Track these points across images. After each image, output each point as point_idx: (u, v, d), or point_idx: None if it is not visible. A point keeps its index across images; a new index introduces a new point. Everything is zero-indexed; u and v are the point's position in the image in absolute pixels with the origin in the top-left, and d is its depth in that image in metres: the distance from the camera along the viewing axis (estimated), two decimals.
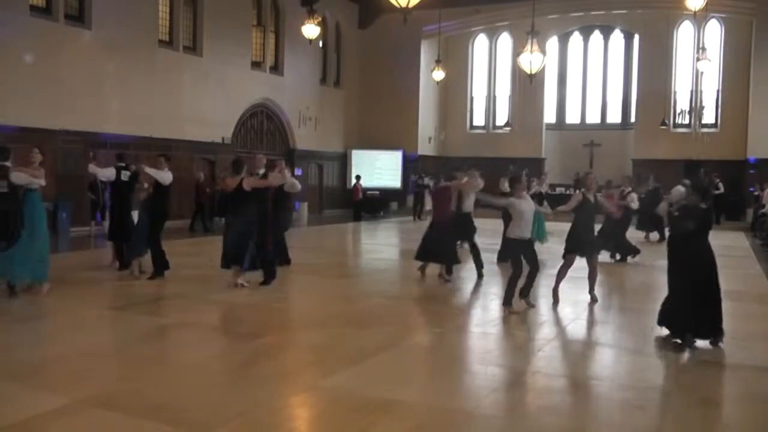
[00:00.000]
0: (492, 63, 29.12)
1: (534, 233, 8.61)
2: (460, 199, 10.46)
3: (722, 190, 20.86)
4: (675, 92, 26.30)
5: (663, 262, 7.24)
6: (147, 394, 4.89)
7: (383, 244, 17.31)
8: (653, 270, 11.54)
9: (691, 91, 26.08)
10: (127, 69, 17.62)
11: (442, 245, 9.89)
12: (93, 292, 9.09)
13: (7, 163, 8.07)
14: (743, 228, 20.49)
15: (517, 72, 24.17)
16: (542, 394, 5.19)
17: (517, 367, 6.00)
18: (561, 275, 8.62)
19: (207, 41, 20.39)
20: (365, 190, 24.88)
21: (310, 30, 18.42)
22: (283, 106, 23.87)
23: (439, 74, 22.91)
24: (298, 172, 21.86)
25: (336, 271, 11.85)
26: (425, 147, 28.11)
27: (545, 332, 7.36)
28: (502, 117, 28.82)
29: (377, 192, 26.23)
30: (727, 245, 14.38)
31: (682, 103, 26.32)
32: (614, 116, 27.84)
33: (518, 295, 8.07)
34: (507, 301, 7.96)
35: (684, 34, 26.08)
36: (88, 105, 16.57)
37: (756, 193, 20.74)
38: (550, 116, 28.41)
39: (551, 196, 17.96)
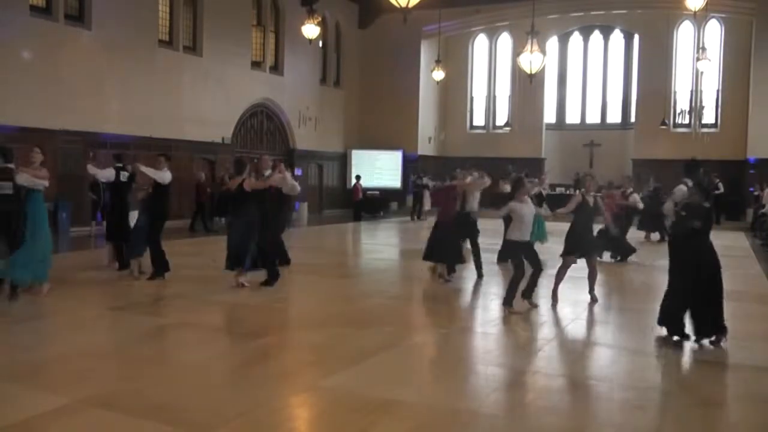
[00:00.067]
0: (492, 63, 29.12)
1: (534, 234, 8.61)
2: (464, 199, 10.48)
3: (722, 190, 20.87)
4: (675, 92, 26.30)
5: (663, 262, 7.25)
6: (147, 394, 4.89)
7: (383, 244, 17.31)
8: (653, 270, 11.55)
9: (691, 91, 26.08)
10: (127, 69, 17.62)
11: (447, 245, 9.90)
12: (93, 292, 9.10)
13: (11, 165, 8.05)
14: (743, 228, 20.51)
15: (517, 72, 24.16)
16: (542, 394, 5.19)
17: (517, 367, 6.00)
18: (560, 276, 8.61)
19: (207, 41, 20.39)
20: (365, 190, 24.89)
21: (310, 30, 18.43)
22: (283, 106, 23.88)
23: (439, 74, 22.92)
24: (298, 172, 21.87)
25: (336, 271, 11.85)
26: (425, 147, 28.11)
27: (545, 332, 7.36)
28: (502, 117, 28.81)
29: (377, 192, 26.24)
30: (727, 245, 14.36)
31: (682, 103, 26.32)
32: (614, 116, 27.84)
33: (521, 296, 8.07)
34: (507, 302, 7.96)
35: (684, 34, 26.07)
36: (88, 105, 16.57)
37: (756, 193, 20.75)
38: (550, 116, 28.40)
39: (551, 196, 17.96)
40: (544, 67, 19.85)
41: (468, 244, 10.91)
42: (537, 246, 8.89)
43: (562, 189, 24.28)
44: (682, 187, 6.81)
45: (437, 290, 9.70)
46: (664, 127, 25.26)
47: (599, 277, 9.03)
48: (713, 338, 6.50)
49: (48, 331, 7.08)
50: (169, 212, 10.27)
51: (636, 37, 26.58)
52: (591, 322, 8.06)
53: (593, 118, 28.11)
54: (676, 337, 6.63)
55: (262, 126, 23.57)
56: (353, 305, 8.70)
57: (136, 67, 17.95)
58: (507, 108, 28.68)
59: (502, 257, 9.68)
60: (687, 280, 6.50)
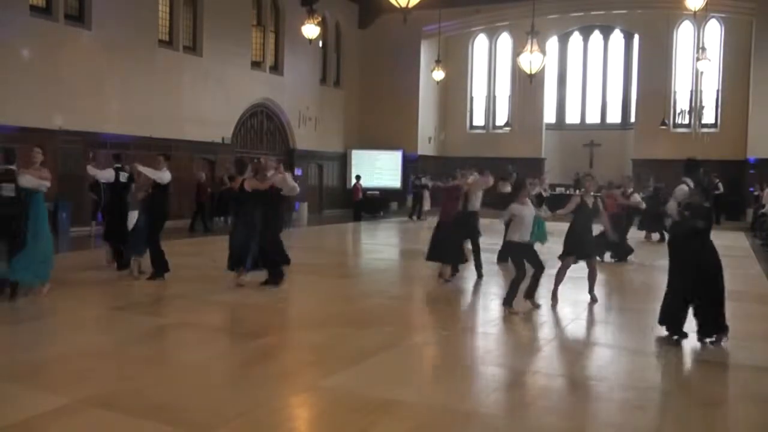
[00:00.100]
0: (492, 63, 29.11)
1: (534, 235, 8.61)
2: (466, 198, 10.48)
3: (722, 190, 20.86)
4: (675, 92, 26.29)
5: (663, 262, 7.26)
6: (147, 394, 4.89)
7: (383, 244, 17.31)
8: (653, 270, 11.55)
9: (691, 91, 26.08)
10: (127, 69, 17.62)
11: (448, 244, 9.90)
12: (93, 292, 9.10)
13: (13, 167, 8.02)
14: (743, 228, 20.50)
15: (517, 72, 24.16)
16: (542, 394, 5.19)
17: (517, 367, 6.00)
18: (559, 277, 8.61)
19: (207, 41, 20.38)
20: (365, 190, 24.88)
21: (310, 30, 18.43)
22: (283, 106, 23.87)
23: (439, 74, 22.91)
24: (298, 172, 21.86)
25: (336, 271, 11.85)
26: (425, 147, 28.10)
27: (545, 332, 7.37)
28: (502, 117, 28.80)
29: (377, 192, 26.23)
30: (727, 245, 14.32)
31: (682, 103, 26.31)
32: (614, 116, 27.82)
33: (523, 297, 8.07)
34: (508, 302, 7.96)
35: (684, 34, 26.07)
36: (88, 105, 16.57)
37: (756, 193, 20.74)
38: (550, 116, 28.39)
39: (551, 196, 17.96)
40: (544, 67, 19.84)
41: (469, 244, 10.92)
42: (537, 247, 8.89)
43: (562, 189, 24.29)
44: (684, 187, 6.81)
45: (437, 290, 9.71)
46: (664, 127, 25.26)
47: (599, 278, 9.04)
48: (714, 338, 6.51)
49: (48, 331, 7.07)
50: (169, 212, 10.27)
51: (636, 37, 26.58)
52: (591, 322, 8.06)
53: (593, 118, 28.10)
54: (676, 337, 6.64)
55: (262, 126, 23.57)
56: (353, 305, 8.70)
57: (136, 67, 17.95)
58: (507, 108, 28.67)
59: (502, 257, 9.69)
60: (687, 280, 6.50)
